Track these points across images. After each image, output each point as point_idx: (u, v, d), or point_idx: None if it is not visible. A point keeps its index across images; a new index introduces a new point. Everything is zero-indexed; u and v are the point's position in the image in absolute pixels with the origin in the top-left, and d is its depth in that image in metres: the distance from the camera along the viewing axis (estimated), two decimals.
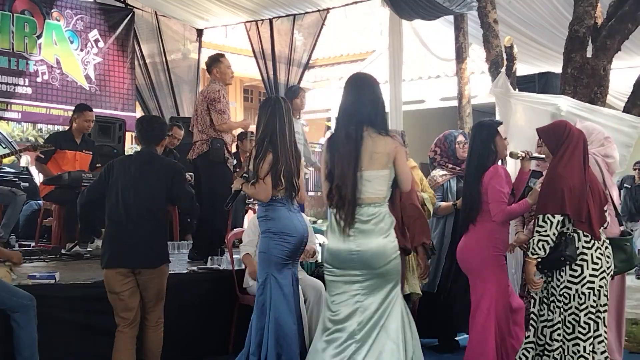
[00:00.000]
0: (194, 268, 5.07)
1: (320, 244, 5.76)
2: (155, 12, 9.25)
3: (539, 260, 3.69)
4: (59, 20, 8.34)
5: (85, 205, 4.19)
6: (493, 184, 4.02)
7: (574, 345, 3.67)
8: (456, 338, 5.29)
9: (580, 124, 4.33)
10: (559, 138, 3.78)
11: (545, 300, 3.78)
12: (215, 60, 5.77)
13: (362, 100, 3.41)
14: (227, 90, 5.82)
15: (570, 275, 3.67)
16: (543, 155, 4.12)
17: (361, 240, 3.37)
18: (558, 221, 3.62)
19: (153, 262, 3.99)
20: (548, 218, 3.62)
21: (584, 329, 3.65)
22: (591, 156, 4.05)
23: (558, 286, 3.71)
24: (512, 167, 4.66)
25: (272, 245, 4.09)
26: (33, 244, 6.41)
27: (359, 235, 3.37)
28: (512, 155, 4.35)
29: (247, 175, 4.21)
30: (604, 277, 3.66)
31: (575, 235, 3.69)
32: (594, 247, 3.67)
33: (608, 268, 3.70)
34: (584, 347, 3.64)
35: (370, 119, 3.39)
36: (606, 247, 3.71)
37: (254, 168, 4.09)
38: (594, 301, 3.65)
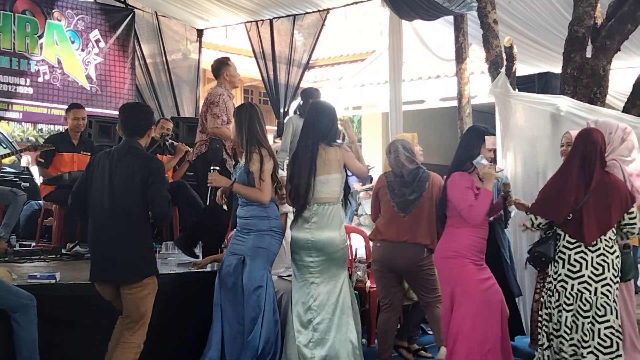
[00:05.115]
0: (194, 269, 5.05)
1: None
2: (156, 12, 9.26)
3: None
4: (60, 20, 8.35)
5: (73, 206, 3.99)
6: (455, 192, 4.00)
7: (560, 343, 3.69)
8: None
9: (593, 123, 4.17)
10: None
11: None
12: (224, 64, 5.74)
13: (321, 120, 4.24)
14: (233, 96, 5.79)
15: (554, 272, 3.75)
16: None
17: (316, 232, 4.17)
18: (540, 222, 3.84)
19: (131, 277, 3.65)
20: (530, 217, 3.93)
21: (569, 328, 3.66)
22: (614, 162, 3.98)
23: (547, 280, 3.84)
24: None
25: (274, 243, 4.32)
26: (33, 243, 6.42)
27: (314, 227, 4.17)
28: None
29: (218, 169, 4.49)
30: (585, 282, 3.62)
31: (561, 234, 3.73)
32: (575, 249, 3.66)
33: (598, 275, 3.62)
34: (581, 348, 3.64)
35: (323, 134, 4.19)
36: (599, 255, 3.63)
37: (251, 170, 4.22)
38: (567, 304, 3.65)
